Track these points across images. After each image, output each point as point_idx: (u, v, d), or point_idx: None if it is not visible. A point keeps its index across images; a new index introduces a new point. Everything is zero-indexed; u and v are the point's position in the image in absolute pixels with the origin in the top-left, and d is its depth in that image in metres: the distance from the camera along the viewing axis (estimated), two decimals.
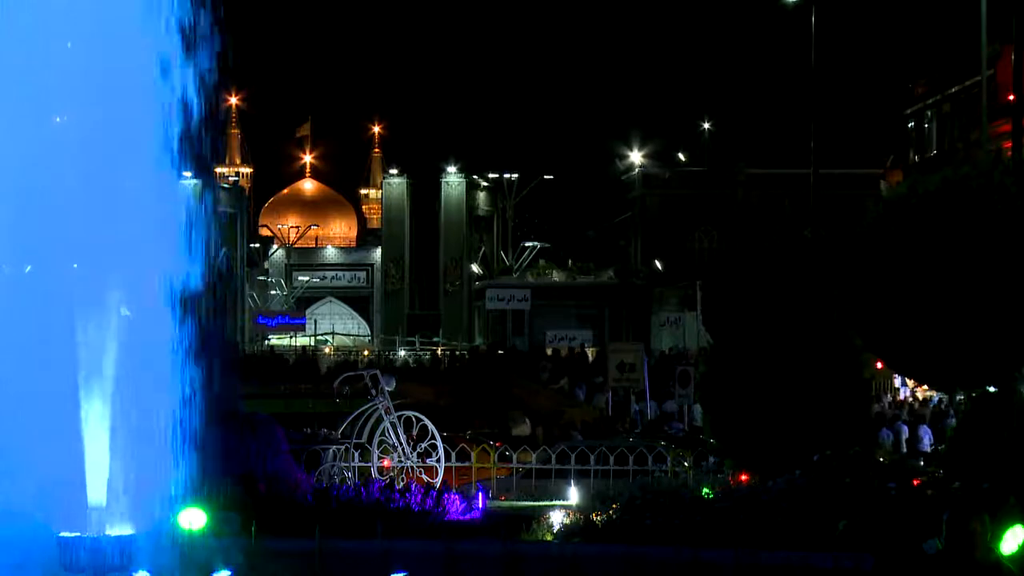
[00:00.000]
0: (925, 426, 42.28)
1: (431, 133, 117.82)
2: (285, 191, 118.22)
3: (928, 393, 49.42)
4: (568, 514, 22.36)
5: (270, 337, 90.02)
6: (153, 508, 16.96)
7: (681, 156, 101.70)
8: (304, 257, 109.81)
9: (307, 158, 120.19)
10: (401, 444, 27.52)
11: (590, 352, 76.05)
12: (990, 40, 45.35)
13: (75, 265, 16.94)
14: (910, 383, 49.78)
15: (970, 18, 45.51)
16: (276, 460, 24.28)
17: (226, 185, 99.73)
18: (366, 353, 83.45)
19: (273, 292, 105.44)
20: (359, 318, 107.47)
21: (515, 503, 26.99)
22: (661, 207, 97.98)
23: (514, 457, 30.02)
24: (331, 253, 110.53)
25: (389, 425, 27.57)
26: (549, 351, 78.16)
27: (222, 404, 17.59)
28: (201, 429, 17.12)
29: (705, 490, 22.21)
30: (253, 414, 26.02)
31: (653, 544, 20.54)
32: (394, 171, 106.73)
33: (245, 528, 19.94)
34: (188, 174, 17.49)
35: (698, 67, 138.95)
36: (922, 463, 23.36)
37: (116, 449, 16.72)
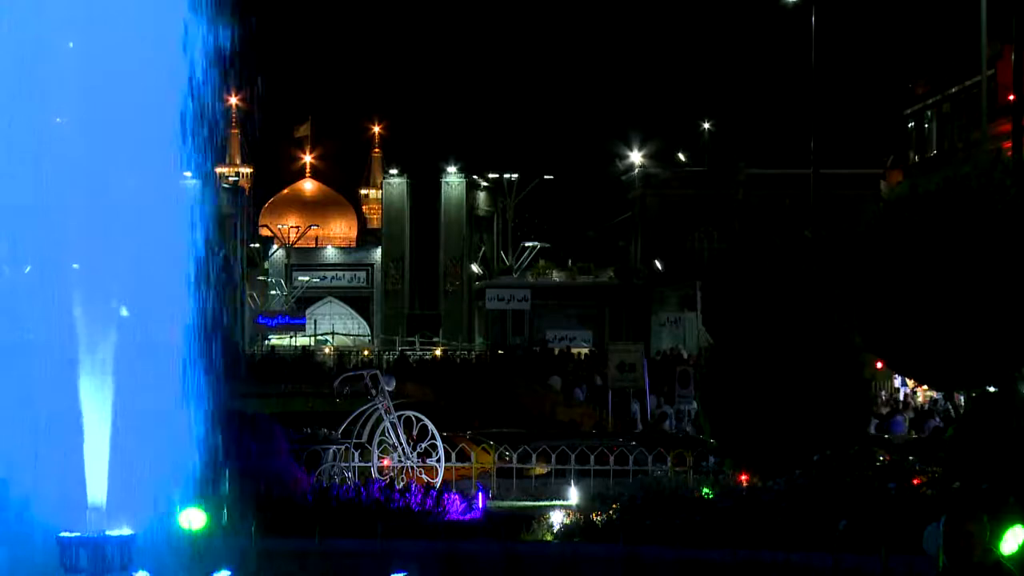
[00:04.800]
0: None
1: (431, 133, 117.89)
2: (285, 191, 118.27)
3: (928, 393, 49.43)
4: (568, 514, 22.35)
5: (270, 337, 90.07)
6: (153, 508, 16.96)
7: (681, 156, 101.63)
8: (304, 257, 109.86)
9: (307, 158, 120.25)
10: (401, 444, 27.52)
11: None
12: (990, 40, 45.33)
13: (75, 265, 16.93)
14: (910, 383, 49.79)
15: (970, 18, 45.49)
16: (276, 460, 24.28)
17: (226, 185, 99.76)
18: (366, 353, 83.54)
19: (273, 292, 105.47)
20: (359, 318, 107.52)
21: (515, 503, 26.99)
22: (661, 207, 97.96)
23: (514, 457, 30.04)
24: (331, 253, 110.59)
25: (389, 425, 27.57)
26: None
27: (223, 404, 17.57)
28: (201, 429, 17.12)
29: (705, 490, 22.21)
30: (253, 414, 26.02)
31: (653, 544, 20.54)
32: (394, 171, 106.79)
33: (245, 528, 19.93)
34: (188, 174, 17.50)
35: (698, 67, 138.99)
36: (917, 467, 23.30)
37: (116, 449, 16.72)
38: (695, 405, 40.77)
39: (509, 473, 29.69)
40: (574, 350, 78.47)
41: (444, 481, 26.58)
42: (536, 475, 30.27)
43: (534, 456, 30.06)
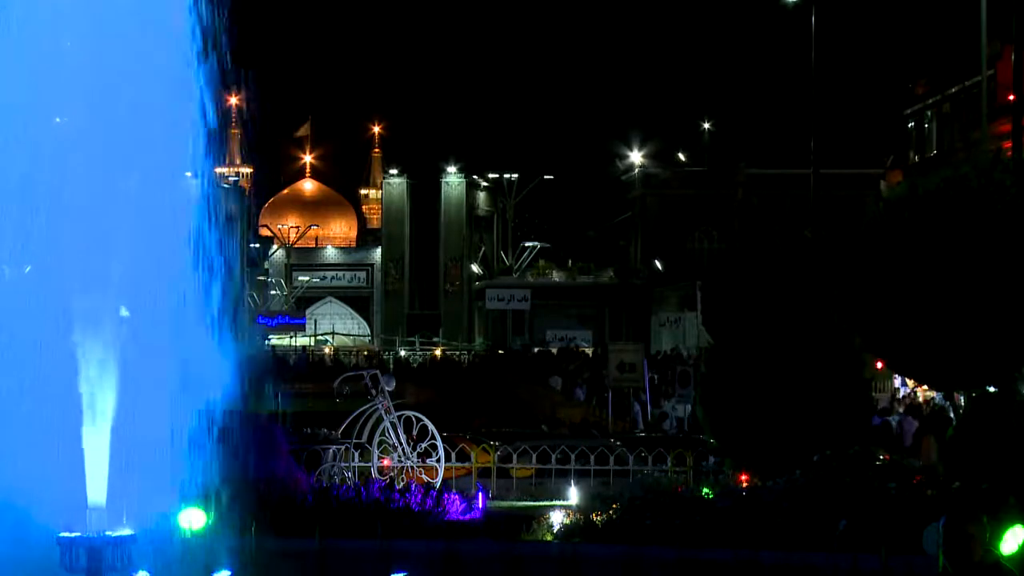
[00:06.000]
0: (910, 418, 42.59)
1: (431, 133, 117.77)
2: (285, 191, 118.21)
3: (928, 393, 49.42)
4: (568, 514, 22.36)
5: (270, 337, 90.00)
6: (153, 508, 16.95)
7: (681, 156, 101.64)
8: (304, 257, 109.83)
9: (307, 158, 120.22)
10: (401, 444, 27.52)
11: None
12: (990, 40, 45.37)
13: (75, 265, 16.93)
14: (910, 383, 49.79)
15: (970, 18, 45.54)
16: (276, 460, 24.27)
17: (226, 185, 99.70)
18: (365, 352, 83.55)
19: (273, 292, 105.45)
20: (359, 318, 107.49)
21: (515, 503, 27.01)
22: (661, 207, 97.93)
23: (514, 457, 30.09)
24: (331, 253, 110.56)
25: (389, 425, 27.57)
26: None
27: (224, 405, 17.56)
28: (201, 429, 17.12)
29: (705, 490, 22.22)
30: (253, 414, 25.98)
31: (653, 544, 20.55)
32: (394, 171, 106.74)
33: (245, 528, 19.92)
34: (189, 174, 17.50)
35: (698, 67, 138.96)
36: (921, 463, 23.35)
37: (116, 449, 16.71)
38: (690, 407, 40.86)
39: (509, 473, 29.73)
40: (583, 349, 78.49)
41: (444, 481, 26.58)
42: (533, 475, 30.30)
43: (534, 456, 30.08)
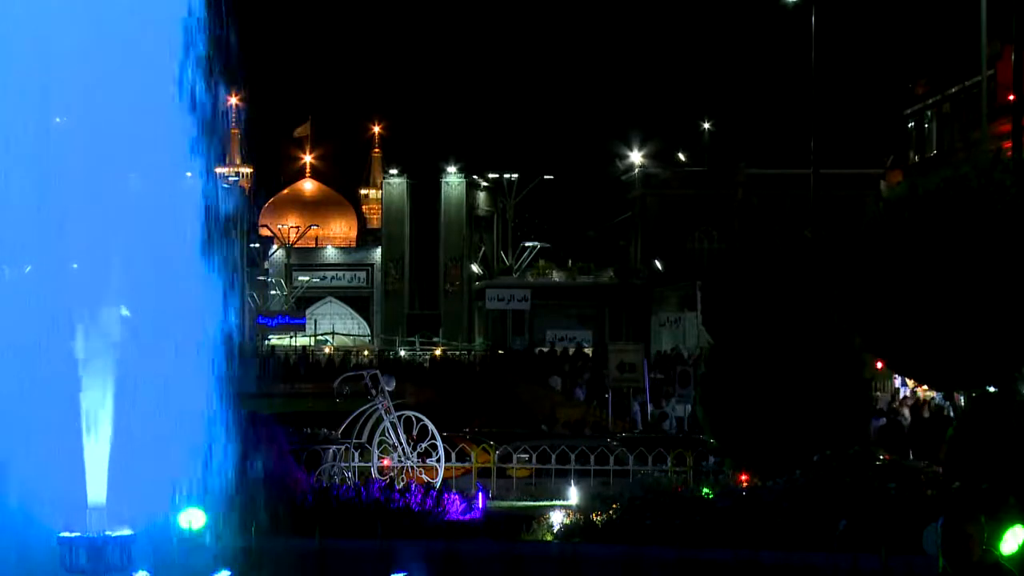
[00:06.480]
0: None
1: (431, 133, 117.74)
2: (285, 191, 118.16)
3: (928, 393, 49.44)
4: (568, 514, 22.37)
5: (270, 337, 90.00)
6: (153, 508, 16.96)
7: (681, 156, 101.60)
8: (304, 257, 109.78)
9: (307, 158, 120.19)
10: (401, 444, 27.51)
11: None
12: (990, 40, 45.37)
13: (75, 265, 16.93)
14: (910, 383, 49.78)
15: (970, 18, 45.53)
16: (276, 460, 24.27)
17: (226, 185, 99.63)
18: (366, 353, 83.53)
19: (273, 292, 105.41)
20: (359, 318, 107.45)
21: (515, 503, 27.00)
22: (661, 207, 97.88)
23: (514, 457, 30.09)
24: (331, 253, 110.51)
25: (389, 425, 27.56)
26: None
27: (225, 405, 17.57)
28: (202, 429, 17.12)
29: (705, 490, 22.23)
30: (253, 414, 25.99)
31: (653, 544, 20.56)
32: (394, 171, 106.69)
33: (245, 528, 19.93)
34: (189, 174, 17.50)
35: (698, 67, 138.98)
36: (923, 463, 23.35)
37: (116, 449, 16.72)
38: (691, 406, 40.85)
39: (508, 473, 29.73)
40: (584, 349, 78.48)
41: (444, 481, 26.58)
42: (532, 475, 30.30)
43: (533, 456, 30.08)
